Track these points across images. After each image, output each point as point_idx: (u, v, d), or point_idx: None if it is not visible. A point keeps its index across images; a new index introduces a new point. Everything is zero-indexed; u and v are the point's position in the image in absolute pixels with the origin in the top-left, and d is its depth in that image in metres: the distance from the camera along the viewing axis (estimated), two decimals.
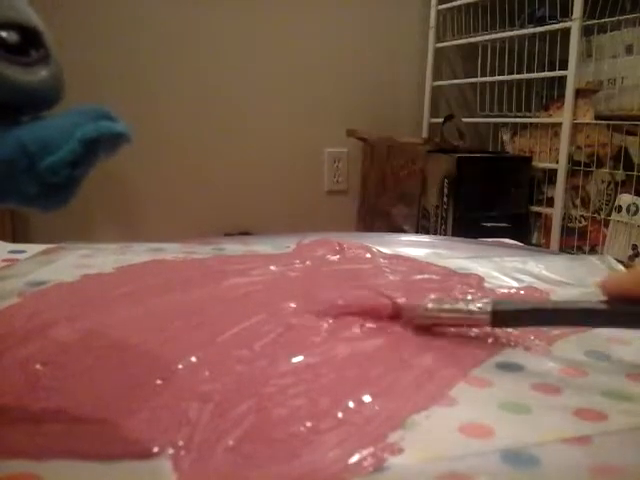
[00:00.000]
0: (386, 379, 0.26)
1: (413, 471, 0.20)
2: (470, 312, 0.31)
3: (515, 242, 0.60)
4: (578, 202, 1.54)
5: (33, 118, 0.19)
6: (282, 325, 0.32)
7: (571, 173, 1.51)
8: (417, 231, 1.56)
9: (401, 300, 0.34)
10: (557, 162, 1.51)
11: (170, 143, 1.57)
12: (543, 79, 1.67)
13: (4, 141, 0.17)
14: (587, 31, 1.47)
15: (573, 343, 0.32)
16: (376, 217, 1.72)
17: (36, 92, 0.18)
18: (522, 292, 0.41)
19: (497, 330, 0.33)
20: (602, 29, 1.49)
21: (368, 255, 0.49)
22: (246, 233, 1.54)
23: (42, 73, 0.18)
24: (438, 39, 1.83)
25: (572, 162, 1.50)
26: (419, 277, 0.43)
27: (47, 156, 0.17)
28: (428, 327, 0.32)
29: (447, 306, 0.32)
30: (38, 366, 0.27)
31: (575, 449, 0.22)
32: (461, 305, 0.31)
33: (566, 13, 1.46)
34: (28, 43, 0.17)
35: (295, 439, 0.21)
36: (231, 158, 1.65)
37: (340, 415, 0.23)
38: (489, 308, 0.30)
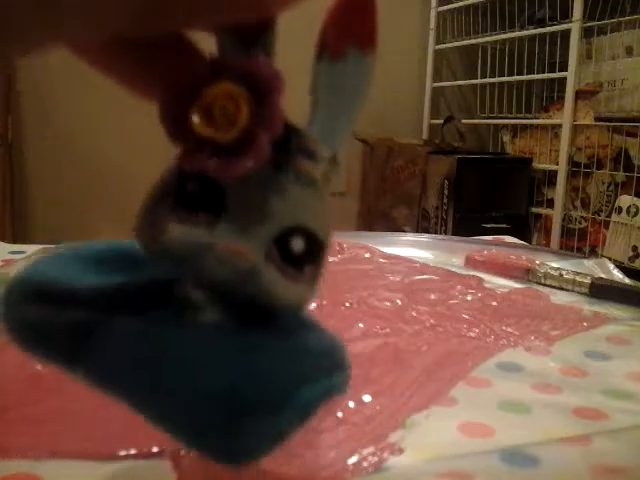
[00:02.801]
0: (386, 379, 0.26)
1: (413, 471, 0.20)
2: (574, 280, 0.41)
3: (515, 240, 0.60)
4: (578, 203, 1.54)
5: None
6: None
7: (571, 174, 1.51)
8: (417, 232, 1.56)
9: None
10: (557, 163, 1.51)
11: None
12: (543, 80, 1.67)
13: (222, 366, 0.14)
14: (587, 33, 1.47)
15: (573, 343, 0.32)
16: (376, 218, 1.72)
17: (286, 309, 0.15)
18: (523, 293, 0.41)
19: (497, 330, 0.33)
20: (602, 31, 1.49)
21: (368, 255, 0.49)
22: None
23: (304, 292, 0.15)
24: (438, 40, 1.83)
25: (572, 163, 1.50)
26: (419, 277, 0.43)
27: (257, 419, 0.13)
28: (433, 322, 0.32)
29: (558, 273, 0.42)
30: (38, 366, 0.27)
31: (575, 449, 0.22)
32: (569, 275, 0.41)
33: (566, 15, 1.46)
34: (307, 256, 0.15)
35: (295, 439, 0.21)
36: None
37: (340, 415, 0.23)
38: (589, 280, 0.40)
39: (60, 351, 0.15)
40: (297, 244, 0.14)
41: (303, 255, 0.14)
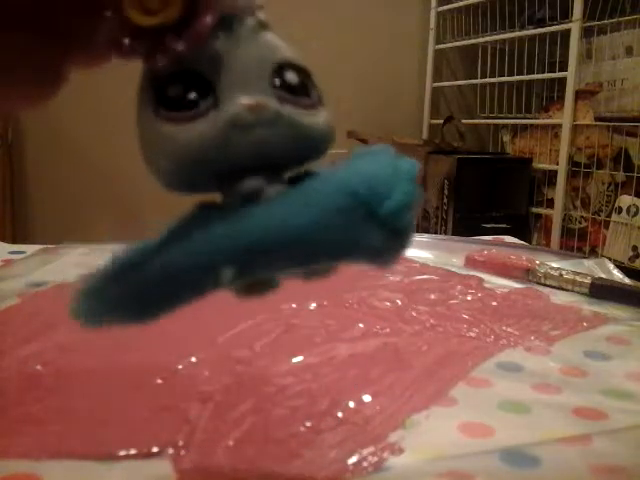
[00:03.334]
0: (386, 379, 0.26)
1: (413, 471, 0.20)
2: (574, 280, 0.41)
3: (515, 240, 0.60)
4: (578, 203, 1.54)
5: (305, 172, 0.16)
6: (282, 325, 0.32)
7: (571, 174, 1.51)
8: (417, 232, 1.56)
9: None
10: (557, 163, 1.51)
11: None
12: (543, 80, 1.67)
13: (326, 191, 0.14)
14: (587, 32, 1.47)
15: (573, 343, 0.32)
16: None
17: (321, 137, 0.16)
18: (523, 293, 0.41)
19: (497, 330, 0.33)
20: (602, 31, 1.49)
21: None
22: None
23: (323, 115, 0.16)
24: (438, 40, 1.83)
25: (572, 163, 1.50)
26: (419, 277, 0.43)
27: (384, 201, 0.14)
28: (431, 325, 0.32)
29: (558, 273, 0.42)
30: (38, 366, 0.27)
31: (575, 449, 0.22)
32: (569, 275, 0.41)
33: (566, 15, 1.46)
34: (306, 84, 0.15)
35: (295, 439, 0.21)
36: None
37: (340, 415, 0.23)
38: (589, 280, 0.40)
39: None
40: (291, 76, 0.15)
41: (301, 83, 0.15)
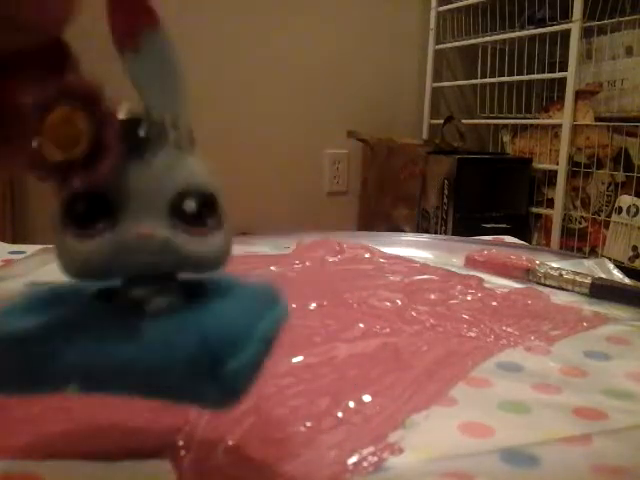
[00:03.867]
0: (386, 379, 0.26)
1: (413, 471, 0.20)
2: (574, 280, 0.41)
3: (515, 240, 0.60)
4: (578, 203, 1.54)
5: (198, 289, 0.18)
6: None
7: (571, 174, 1.51)
8: (417, 232, 1.56)
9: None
10: (557, 163, 1.51)
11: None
12: (543, 80, 1.67)
13: (182, 330, 0.16)
14: (587, 33, 1.47)
15: (573, 343, 0.32)
16: (376, 218, 1.72)
17: (208, 262, 0.17)
18: (523, 293, 0.41)
19: (497, 330, 0.33)
20: (602, 31, 1.49)
21: (368, 255, 0.49)
22: (246, 234, 1.54)
23: (216, 242, 0.17)
24: (438, 41, 1.83)
25: (572, 163, 1.50)
26: (419, 277, 0.43)
27: (230, 358, 0.15)
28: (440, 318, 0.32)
29: (558, 273, 0.42)
30: None
31: (575, 449, 0.22)
32: (569, 275, 0.41)
33: (566, 15, 1.46)
34: (204, 211, 0.16)
35: (295, 439, 0.21)
36: (231, 159, 1.65)
37: (340, 415, 0.23)
38: (589, 280, 0.40)
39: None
40: (189, 204, 0.16)
41: (199, 211, 0.16)
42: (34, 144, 0.15)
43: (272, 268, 0.44)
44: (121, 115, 0.16)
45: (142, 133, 0.16)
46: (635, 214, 1.40)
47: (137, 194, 0.16)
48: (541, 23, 1.56)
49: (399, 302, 0.37)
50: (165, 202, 0.16)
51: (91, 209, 0.16)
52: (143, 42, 0.17)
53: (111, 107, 0.16)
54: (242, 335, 0.16)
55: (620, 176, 1.46)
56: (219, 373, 0.15)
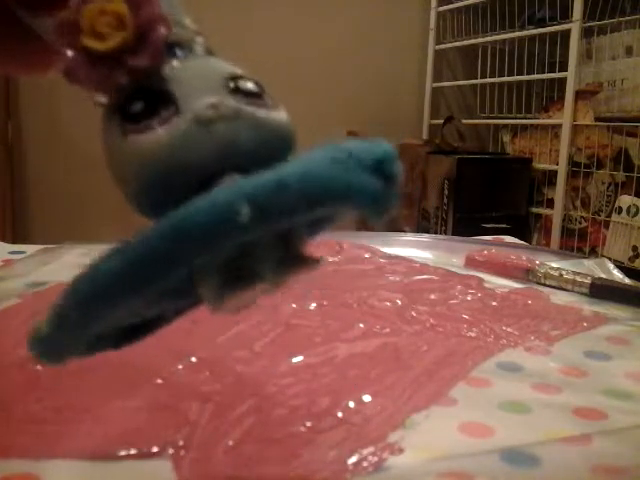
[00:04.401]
0: (386, 379, 0.26)
1: (413, 471, 0.20)
2: (574, 280, 0.41)
3: (515, 240, 0.60)
4: (578, 203, 1.54)
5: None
6: (282, 325, 0.32)
7: (571, 174, 1.51)
8: (417, 232, 1.56)
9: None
10: (557, 163, 1.51)
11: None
12: (543, 80, 1.67)
13: (316, 154, 0.14)
14: (587, 33, 1.47)
15: (573, 343, 0.32)
16: None
17: (287, 130, 0.16)
18: (523, 293, 0.41)
19: (497, 330, 0.33)
20: (602, 31, 1.49)
21: (368, 255, 0.49)
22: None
23: (283, 113, 0.16)
24: (438, 41, 1.83)
25: (572, 163, 1.50)
26: (419, 277, 0.43)
27: (372, 152, 0.14)
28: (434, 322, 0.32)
29: (558, 273, 0.42)
30: (38, 366, 0.27)
31: (575, 448, 0.22)
32: (569, 275, 0.41)
33: (566, 15, 1.46)
34: (261, 91, 0.16)
35: (295, 439, 0.21)
36: None
37: (340, 415, 0.23)
38: (589, 280, 0.40)
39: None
40: (245, 84, 0.16)
41: (255, 90, 0.16)
42: (76, 44, 0.14)
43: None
44: None
45: (172, 34, 0.16)
46: (635, 214, 1.40)
47: (191, 80, 0.15)
48: (541, 23, 1.56)
49: (399, 302, 0.37)
50: (221, 83, 0.15)
51: (149, 105, 0.15)
52: None
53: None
54: (368, 145, 0.15)
55: (620, 176, 1.46)
56: (371, 162, 0.14)
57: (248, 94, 0.15)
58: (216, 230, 0.13)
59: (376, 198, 0.14)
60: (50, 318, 0.15)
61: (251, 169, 0.14)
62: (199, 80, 0.15)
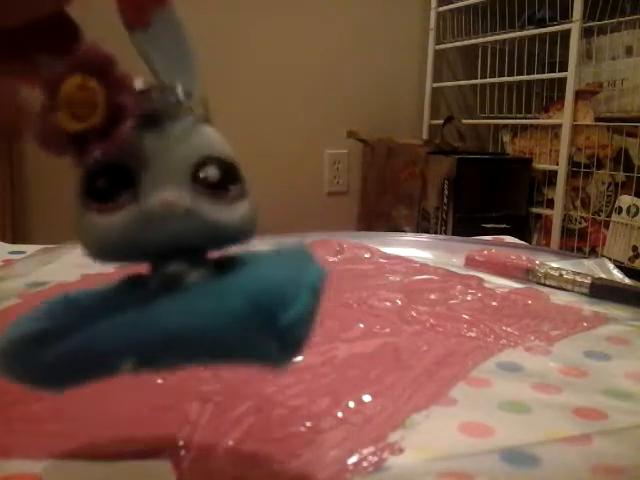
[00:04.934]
0: (386, 379, 0.26)
1: (413, 471, 0.20)
2: (574, 280, 0.41)
3: (515, 240, 0.60)
4: (578, 203, 1.54)
5: (230, 261, 0.17)
6: None
7: (571, 174, 1.51)
8: (417, 232, 1.56)
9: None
10: (557, 163, 1.51)
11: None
12: (543, 81, 1.67)
13: (228, 292, 0.15)
14: (587, 33, 1.47)
15: (573, 343, 0.32)
16: (376, 219, 1.72)
17: (235, 231, 0.16)
18: (523, 293, 0.41)
19: (497, 330, 0.33)
20: (602, 31, 1.49)
21: (368, 255, 0.49)
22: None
23: (241, 210, 0.16)
24: (438, 41, 1.83)
25: (572, 163, 1.50)
26: (419, 277, 0.43)
27: (283, 311, 0.15)
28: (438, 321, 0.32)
29: (558, 273, 0.42)
30: None
31: (575, 448, 0.22)
32: (569, 275, 0.41)
33: (566, 15, 1.46)
34: (227, 179, 0.16)
35: (295, 439, 0.21)
36: None
37: (340, 415, 0.23)
38: (589, 280, 0.40)
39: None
40: (211, 171, 0.16)
41: (222, 179, 0.16)
42: (49, 118, 0.15)
43: None
44: (136, 85, 0.16)
45: (157, 102, 0.16)
46: (635, 214, 1.40)
47: (157, 163, 0.16)
48: (541, 23, 1.56)
49: (399, 302, 0.37)
50: (186, 170, 0.16)
51: (112, 183, 0.16)
52: (153, 20, 0.16)
53: (125, 74, 0.15)
54: (290, 286, 0.15)
55: (620, 176, 1.46)
56: (277, 326, 0.15)
57: (210, 185, 0.16)
58: (105, 369, 0.16)
59: (271, 361, 0.15)
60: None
61: (203, 253, 0.16)
62: (164, 165, 0.16)
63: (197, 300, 0.15)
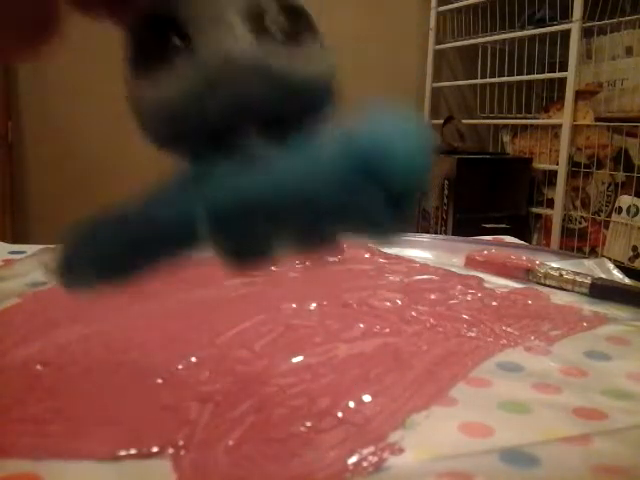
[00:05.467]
0: (386, 379, 0.26)
1: (413, 471, 0.20)
2: (574, 280, 0.41)
3: (515, 240, 0.60)
4: (578, 203, 1.54)
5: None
6: (282, 325, 0.32)
7: (571, 174, 1.51)
8: (417, 232, 1.56)
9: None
10: (557, 163, 1.51)
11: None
12: (543, 81, 1.67)
13: (335, 152, 0.13)
14: (587, 33, 1.47)
15: (573, 343, 0.32)
16: None
17: (314, 83, 0.13)
18: (523, 293, 0.41)
19: (497, 330, 0.33)
20: (602, 31, 1.49)
21: (368, 255, 0.49)
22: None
23: (315, 56, 0.14)
24: (438, 41, 1.83)
25: (572, 163, 1.50)
26: (419, 277, 0.43)
27: (396, 176, 0.12)
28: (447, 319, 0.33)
29: (558, 273, 0.42)
30: (38, 366, 0.27)
31: (575, 449, 0.22)
32: (569, 275, 0.41)
33: (566, 15, 1.46)
34: (296, 25, 0.13)
35: (295, 439, 0.21)
36: None
37: (340, 415, 0.23)
38: (589, 280, 0.40)
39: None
40: (276, 16, 0.13)
41: (291, 24, 0.13)
42: None
43: (272, 268, 0.44)
44: None
45: None
46: (635, 214, 1.40)
47: (212, 9, 0.13)
48: (541, 23, 1.56)
49: (399, 302, 0.37)
50: (248, 14, 0.13)
51: (162, 39, 0.13)
52: None
53: None
54: (403, 147, 0.13)
55: (620, 176, 1.46)
56: (390, 189, 0.12)
57: (279, 34, 0.13)
58: (182, 233, 0.13)
59: (382, 233, 0.14)
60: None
61: (272, 124, 0.13)
62: (224, 10, 0.13)
63: (287, 159, 0.13)
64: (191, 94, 0.13)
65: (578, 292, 0.40)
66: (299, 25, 0.13)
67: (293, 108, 0.13)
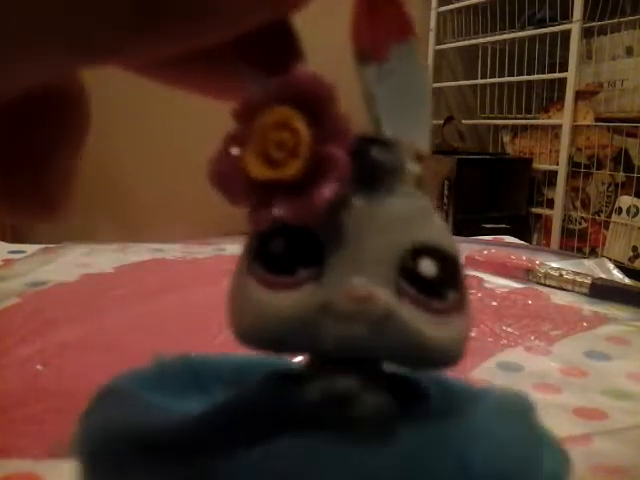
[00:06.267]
0: None
1: None
2: (574, 280, 0.41)
3: (515, 240, 0.60)
4: (578, 204, 1.54)
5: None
6: None
7: (571, 175, 1.51)
8: None
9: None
10: (557, 164, 1.51)
11: (170, 143, 1.57)
12: (543, 81, 1.67)
13: (439, 451, 0.11)
14: (587, 33, 1.47)
15: (573, 343, 0.32)
16: None
17: (441, 353, 0.12)
18: (523, 293, 0.41)
19: (497, 330, 0.33)
20: (602, 31, 1.49)
21: None
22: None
23: (454, 325, 0.12)
24: (438, 41, 1.83)
25: (572, 164, 1.50)
26: None
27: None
28: None
29: (558, 273, 0.42)
30: (38, 366, 0.27)
31: (575, 449, 0.22)
32: (569, 275, 0.42)
33: (566, 15, 1.46)
34: (445, 280, 0.12)
35: None
36: None
37: None
38: (589, 280, 0.40)
39: None
40: (427, 266, 0.12)
41: (439, 279, 0.12)
42: (233, 154, 0.11)
43: None
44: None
45: (377, 161, 0.12)
46: (635, 214, 1.40)
47: (358, 240, 0.12)
48: (541, 23, 1.56)
49: None
50: (393, 258, 0.12)
51: (293, 251, 0.12)
52: (391, 53, 0.13)
53: (344, 116, 0.11)
54: (525, 467, 0.12)
55: (620, 176, 1.46)
56: None
57: (422, 285, 0.12)
58: None
59: None
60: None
61: (375, 366, 0.12)
62: (366, 245, 0.12)
63: (383, 455, 0.11)
64: (306, 319, 0.12)
65: (578, 292, 0.40)
66: (447, 274, 0.12)
67: (406, 363, 0.12)
